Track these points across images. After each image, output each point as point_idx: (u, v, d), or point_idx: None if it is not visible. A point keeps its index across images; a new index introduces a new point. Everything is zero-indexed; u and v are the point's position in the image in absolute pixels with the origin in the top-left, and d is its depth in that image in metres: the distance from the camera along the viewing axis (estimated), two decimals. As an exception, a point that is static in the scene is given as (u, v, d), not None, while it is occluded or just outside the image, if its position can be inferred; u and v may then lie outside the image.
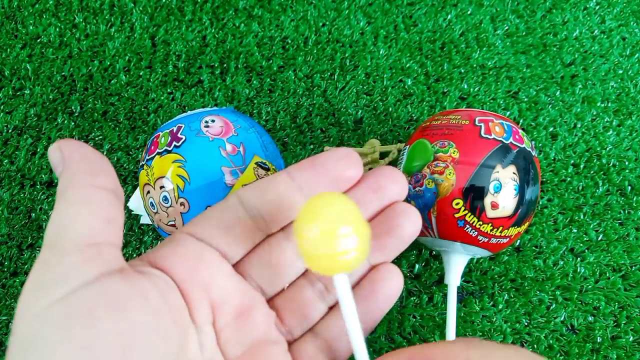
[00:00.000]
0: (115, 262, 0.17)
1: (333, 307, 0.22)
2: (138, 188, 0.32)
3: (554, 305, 0.33)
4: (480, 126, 0.28)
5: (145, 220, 0.34)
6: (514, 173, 0.27)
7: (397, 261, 0.34)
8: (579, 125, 0.38)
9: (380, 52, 0.40)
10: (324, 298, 0.21)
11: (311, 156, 0.21)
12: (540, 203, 0.36)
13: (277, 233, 0.21)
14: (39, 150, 0.37)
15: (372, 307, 0.21)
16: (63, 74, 0.39)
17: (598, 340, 0.32)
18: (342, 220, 0.17)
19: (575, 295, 0.33)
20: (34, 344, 0.14)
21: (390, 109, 0.38)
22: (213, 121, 0.28)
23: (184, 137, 0.28)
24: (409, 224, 0.21)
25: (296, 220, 0.18)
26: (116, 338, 0.15)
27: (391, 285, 0.21)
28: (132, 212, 0.34)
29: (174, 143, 0.28)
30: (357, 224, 0.18)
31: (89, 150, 0.18)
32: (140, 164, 0.30)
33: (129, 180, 0.36)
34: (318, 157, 0.21)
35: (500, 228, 0.28)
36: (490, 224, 0.27)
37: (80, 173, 0.17)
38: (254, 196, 0.20)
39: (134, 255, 0.34)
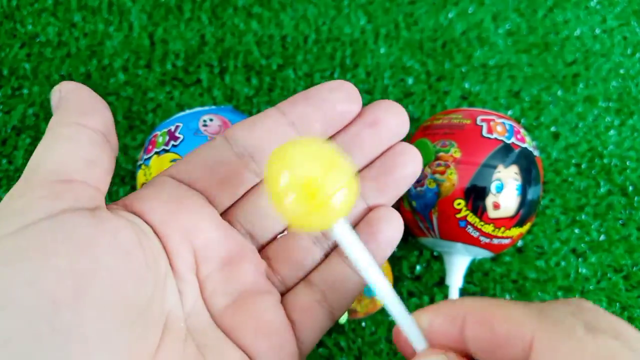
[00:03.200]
0: (87, 202, 0.15)
1: (329, 253, 0.20)
2: (136, 188, 0.31)
3: (555, 306, 0.32)
4: (482, 125, 0.28)
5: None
6: (515, 173, 0.27)
7: (398, 262, 0.33)
8: (580, 125, 0.38)
9: (381, 51, 0.39)
10: (320, 243, 0.20)
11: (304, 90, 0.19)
12: (542, 203, 0.35)
13: None
14: (36, 149, 0.37)
15: (372, 252, 0.19)
16: (61, 73, 0.39)
17: (600, 342, 0.32)
18: (323, 161, 0.15)
19: (577, 296, 0.33)
20: None
21: (390, 109, 0.38)
22: (211, 120, 0.28)
23: (182, 136, 0.27)
24: (410, 162, 0.19)
25: (267, 176, 0.16)
26: (71, 274, 0.13)
27: (391, 228, 0.19)
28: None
29: (172, 142, 0.27)
30: (339, 161, 0.16)
31: (86, 92, 0.17)
32: (138, 163, 0.29)
33: (127, 180, 0.36)
34: (311, 90, 0.19)
35: (502, 228, 0.27)
36: (492, 225, 0.27)
37: (70, 112, 0.16)
38: (241, 134, 0.19)
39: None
